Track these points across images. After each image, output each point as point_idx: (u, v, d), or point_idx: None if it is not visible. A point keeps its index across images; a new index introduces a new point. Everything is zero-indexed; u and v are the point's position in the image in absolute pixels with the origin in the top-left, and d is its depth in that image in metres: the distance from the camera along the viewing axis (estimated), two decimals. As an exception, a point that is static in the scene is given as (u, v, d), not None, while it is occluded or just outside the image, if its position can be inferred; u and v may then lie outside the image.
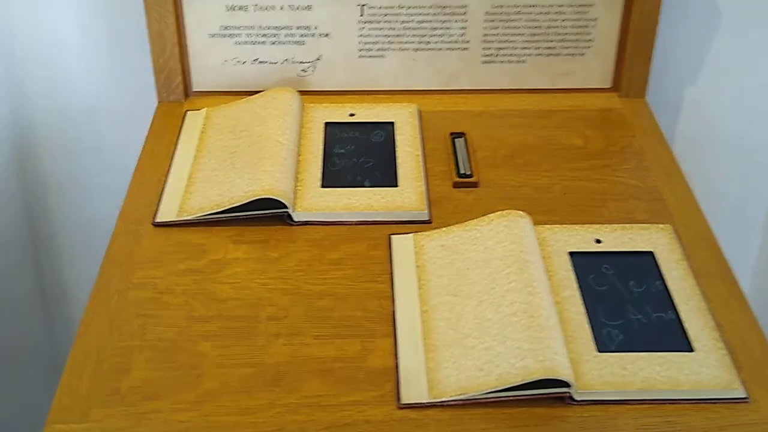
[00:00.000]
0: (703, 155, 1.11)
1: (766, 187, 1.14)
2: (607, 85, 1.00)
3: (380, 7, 0.95)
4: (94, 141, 1.09)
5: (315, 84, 1.00)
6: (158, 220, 0.80)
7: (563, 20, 0.96)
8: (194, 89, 0.99)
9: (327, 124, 0.93)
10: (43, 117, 1.08)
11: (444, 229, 0.76)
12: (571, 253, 0.72)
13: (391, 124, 0.93)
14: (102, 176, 1.10)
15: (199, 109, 0.96)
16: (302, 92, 0.96)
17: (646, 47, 0.97)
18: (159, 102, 0.98)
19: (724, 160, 1.12)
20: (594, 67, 0.99)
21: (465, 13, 0.96)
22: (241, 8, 0.95)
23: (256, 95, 0.94)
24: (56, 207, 1.13)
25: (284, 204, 0.78)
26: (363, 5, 0.95)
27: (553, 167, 0.88)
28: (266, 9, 0.95)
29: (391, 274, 0.72)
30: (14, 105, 1.06)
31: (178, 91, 0.97)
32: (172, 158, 0.89)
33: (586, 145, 0.91)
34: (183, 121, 0.95)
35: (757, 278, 1.18)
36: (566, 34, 0.97)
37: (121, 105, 1.06)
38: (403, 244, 0.74)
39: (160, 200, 0.82)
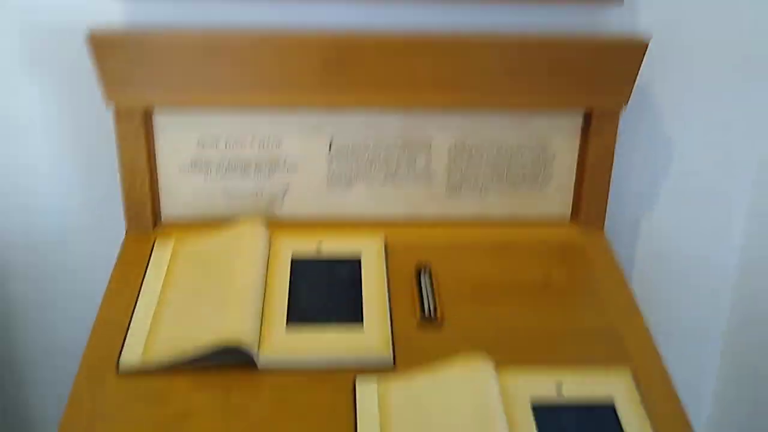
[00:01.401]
0: (661, 278, 1.15)
1: (723, 307, 1.18)
2: (566, 217, 1.04)
3: (348, 142, 0.99)
4: (62, 266, 1.09)
5: (283, 214, 1.02)
6: (122, 366, 0.79)
7: (523, 155, 1.01)
8: (164, 219, 1.01)
9: (294, 258, 0.95)
10: (11, 240, 1.08)
11: (408, 376, 0.77)
12: (534, 407, 0.73)
13: (358, 258, 0.95)
14: (69, 302, 1.10)
15: (167, 240, 0.97)
16: (270, 223, 0.99)
17: (602, 182, 1.01)
18: (128, 231, 0.99)
19: (680, 281, 1.16)
20: (553, 200, 1.03)
21: (430, 148, 1.00)
22: (212, 143, 0.98)
23: (225, 227, 0.96)
24: (21, 331, 1.12)
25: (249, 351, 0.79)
26: (331, 139, 0.99)
27: (515, 304, 0.90)
28: (237, 144, 0.98)
29: (355, 426, 0.72)
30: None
31: (147, 221, 0.99)
32: (138, 292, 0.89)
33: (548, 281, 0.94)
34: (151, 252, 0.96)
35: (717, 402, 1.20)
36: (526, 168, 1.01)
37: (91, 231, 1.07)
38: (367, 394, 0.75)
39: (124, 341, 0.82)
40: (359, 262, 0.94)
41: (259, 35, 0.91)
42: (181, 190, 1.00)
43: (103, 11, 0.94)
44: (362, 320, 0.86)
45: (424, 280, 0.93)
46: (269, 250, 0.95)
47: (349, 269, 0.94)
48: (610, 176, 1.00)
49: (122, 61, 0.90)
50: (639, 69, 0.93)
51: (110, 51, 0.89)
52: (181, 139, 0.98)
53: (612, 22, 0.98)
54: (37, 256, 1.08)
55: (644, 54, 0.92)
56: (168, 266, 0.93)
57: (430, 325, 0.87)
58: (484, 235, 1.02)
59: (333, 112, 0.97)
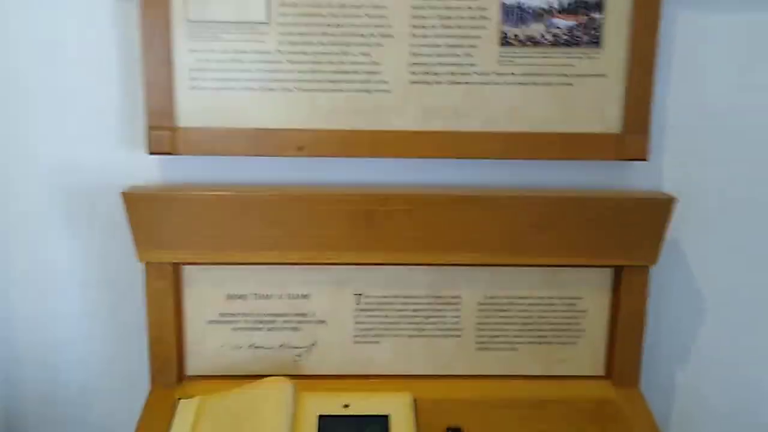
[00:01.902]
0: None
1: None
2: (600, 373, 1.01)
3: (376, 296, 0.99)
4: (81, 422, 1.07)
5: (310, 369, 1.00)
6: None
7: (554, 311, 1.00)
8: (188, 374, 1.00)
9: (320, 416, 0.92)
10: (32, 392, 1.07)
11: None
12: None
13: (386, 417, 0.92)
14: (88, 458, 1.07)
15: (191, 397, 0.95)
16: (296, 377, 0.97)
17: (635, 337, 0.99)
18: (152, 387, 0.98)
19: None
20: (586, 356, 1.01)
21: (459, 303, 0.99)
22: (240, 296, 0.98)
23: (250, 385, 0.94)
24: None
25: None
26: (359, 294, 0.99)
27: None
28: (265, 297, 0.98)
29: None
30: (7, 376, 1.05)
31: (171, 376, 0.97)
32: (161, 455, 0.87)
33: (584, 444, 0.91)
34: (175, 409, 0.94)
35: None
36: (557, 323, 1.00)
37: (114, 386, 1.05)
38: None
39: None
40: (387, 419, 0.91)
41: (289, 193, 0.93)
42: (207, 344, 0.99)
43: (138, 168, 0.97)
44: (391, 488, 0.82)
45: (456, 443, 0.89)
46: (295, 408, 0.92)
47: (378, 427, 0.91)
48: (643, 332, 0.98)
49: (154, 219, 0.92)
50: (667, 226, 0.94)
51: (143, 209, 0.92)
52: (210, 293, 0.98)
53: (637, 178, 0.99)
54: (56, 411, 1.06)
55: (672, 211, 0.93)
56: (192, 425, 0.90)
57: (462, 495, 0.83)
58: (515, 391, 0.99)
59: (361, 267, 0.98)
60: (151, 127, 0.92)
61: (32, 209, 1.00)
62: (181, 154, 0.93)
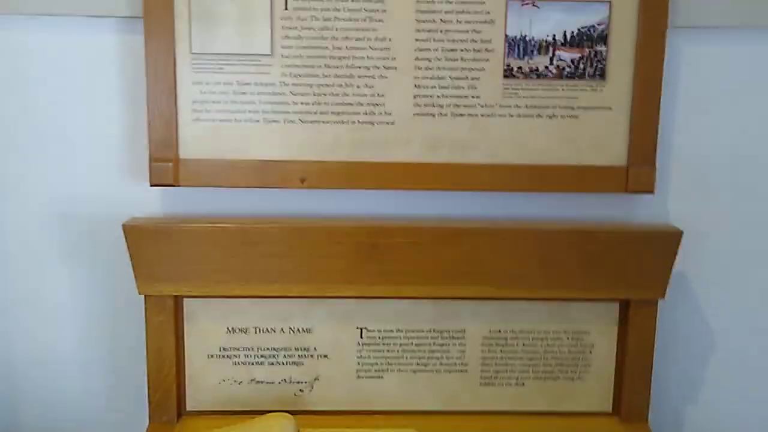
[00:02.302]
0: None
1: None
2: (608, 409, 0.99)
3: (379, 330, 0.97)
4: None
5: (312, 404, 0.98)
6: None
7: (560, 345, 0.98)
8: (188, 409, 0.98)
9: (323, 453, 0.91)
10: (32, 427, 1.04)
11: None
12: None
13: (390, 455, 0.91)
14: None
15: (191, 433, 0.94)
16: (298, 413, 0.95)
17: (643, 372, 0.97)
18: (150, 422, 0.96)
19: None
20: (593, 391, 0.99)
21: (463, 337, 0.98)
22: (241, 330, 0.97)
23: (251, 421, 0.92)
24: None
25: None
26: (362, 328, 0.97)
27: None
28: (266, 331, 0.97)
29: None
30: (5, 410, 1.03)
31: (171, 411, 0.95)
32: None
33: (592, 483, 0.89)
34: (174, 446, 0.92)
35: None
36: (564, 358, 0.98)
37: (112, 421, 1.03)
38: None
39: None
40: (391, 459, 0.90)
41: (291, 225, 0.92)
42: (207, 379, 0.97)
43: (140, 200, 0.96)
44: None
45: (461, 482, 0.87)
46: (297, 446, 0.91)
47: (381, 468, 0.89)
48: (651, 367, 0.97)
49: (155, 252, 0.91)
50: (674, 259, 0.92)
51: (143, 242, 0.91)
52: (211, 327, 0.96)
53: (643, 211, 0.98)
54: (54, 446, 1.05)
55: (679, 244, 0.92)
56: (191, 463, 0.89)
57: None
58: (521, 428, 0.96)
59: (364, 301, 0.97)
60: (154, 159, 0.91)
61: (33, 240, 0.99)
62: (183, 186, 0.92)
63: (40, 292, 1.00)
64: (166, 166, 0.92)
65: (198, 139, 0.92)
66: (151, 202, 0.97)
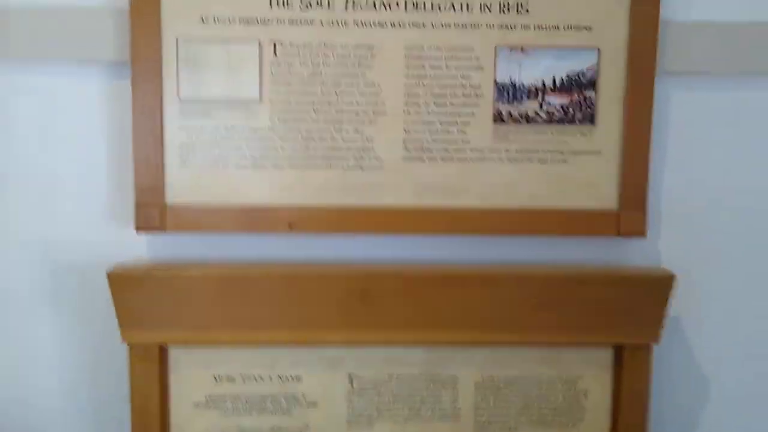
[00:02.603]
0: None
1: None
2: (603, 457, 0.98)
3: (370, 377, 0.95)
4: None
5: (301, 454, 0.97)
6: None
7: (554, 391, 0.96)
8: (173, 462, 0.96)
9: (312, 507, 0.88)
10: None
11: None
12: None
13: (381, 507, 0.88)
14: None
15: (176, 486, 0.91)
16: (287, 463, 0.93)
17: (639, 418, 0.95)
18: (135, 476, 0.93)
19: None
20: (588, 439, 0.98)
21: (455, 383, 0.96)
22: (228, 378, 0.95)
23: (239, 473, 0.90)
24: None
25: None
26: (352, 375, 0.95)
27: None
28: (254, 379, 0.95)
29: None
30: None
31: (156, 464, 0.93)
32: None
33: None
34: (158, 500, 0.89)
35: None
36: (558, 405, 0.96)
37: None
38: None
39: None
40: None
41: (278, 271, 0.91)
42: (193, 428, 0.94)
43: (126, 245, 0.95)
44: None
45: None
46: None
47: None
48: (646, 412, 0.95)
49: (139, 300, 0.89)
50: (668, 304, 0.91)
51: (128, 290, 0.89)
52: (197, 375, 0.94)
53: (635, 254, 0.98)
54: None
55: (672, 288, 0.91)
56: None
57: None
58: (516, 477, 0.95)
59: (354, 347, 0.95)
60: (139, 204, 0.90)
61: (16, 286, 0.97)
62: (169, 231, 0.91)
63: (21, 339, 0.98)
64: (152, 212, 0.90)
65: (185, 183, 0.91)
66: (137, 247, 0.96)
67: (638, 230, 0.93)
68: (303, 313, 0.91)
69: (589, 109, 0.92)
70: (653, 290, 0.91)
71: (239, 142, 0.90)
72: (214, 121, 0.90)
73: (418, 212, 0.92)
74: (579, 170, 0.92)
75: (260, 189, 0.91)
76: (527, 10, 0.90)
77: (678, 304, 0.98)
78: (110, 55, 0.91)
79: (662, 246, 0.99)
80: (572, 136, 0.92)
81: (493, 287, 0.91)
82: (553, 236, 0.94)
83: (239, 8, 0.88)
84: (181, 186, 0.91)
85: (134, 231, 0.91)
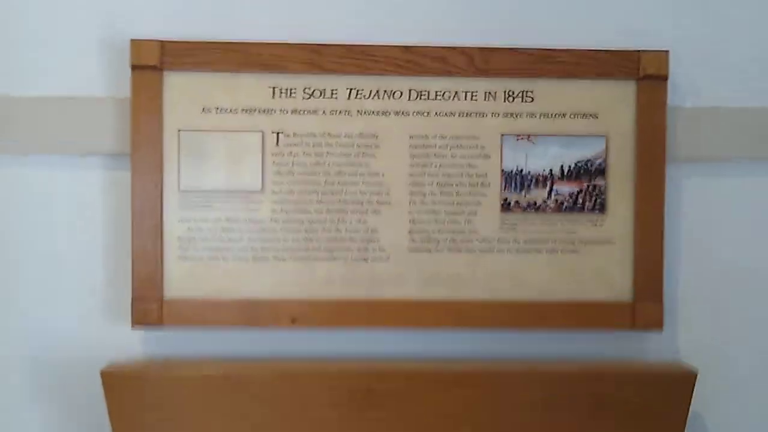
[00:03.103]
0: None
1: None
2: None
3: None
4: None
5: None
6: None
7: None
8: None
9: None
10: None
11: None
12: None
13: None
14: None
15: None
16: None
17: None
18: None
19: None
20: None
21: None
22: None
23: None
24: None
25: None
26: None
27: None
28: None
29: None
30: None
31: None
32: None
33: None
34: None
35: None
36: None
37: None
38: None
39: None
40: None
41: (279, 369, 0.87)
42: None
43: (123, 341, 0.91)
44: None
45: None
46: None
47: None
48: None
49: (134, 400, 0.84)
50: (690, 402, 0.87)
51: (122, 390, 0.84)
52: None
53: (651, 348, 0.94)
54: None
55: (693, 385, 0.86)
56: None
57: None
58: None
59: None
60: (136, 299, 0.87)
61: (4, 380, 0.93)
62: (167, 326, 0.88)
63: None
64: (149, 307, 0.87)
65: (184, 277, 0.88)
66: (133, 343, 0.92)
67: (655, 323, 0.89)
68: (305, 415, 0.86)
69: (599, 198, 0.89)
70: (673, 388, 0.86)
71: (240, 233, 0.88)
72: (215, 213, 0.87)
73: (423, 305, 0.88)
74: (590, 260, 0.89)
75: (261, 282, 0.88)
76: (532, 99, 0.89)
77: (700, 400, 0.93)
78: (111, 146, 0.89)
79: (680, 338, 0.94)
80: (582, 225, 0.89)
81: (504, 386, 0.86)
82: (565, 330, 0.90)
83: (241, 98, 0.88)
84: (180, 280, 0.88)
85: (130, 325, 0.88)
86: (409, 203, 0.88)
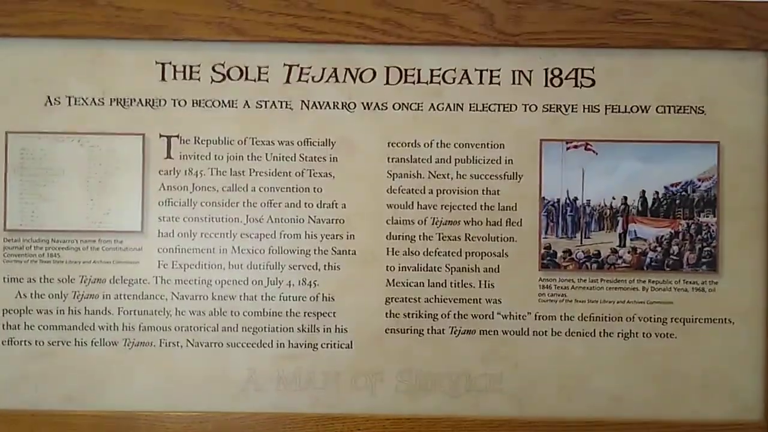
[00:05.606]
0: None
1: None
2: None
3: None
4: None
5: None
6: None
7: None
8: None
9: None
10: None
11: None
12: None
13: None
14: None
15: None
16: None
17: None
18: None
19: None
20: None
21: None
22: None
23: None
24: None
25: None
26: None
27: None
28: None
29: None
30: None
31: None
32: None
33: None
34: None
35: None
36: None
37: None
38: None
39: None
40: None
41: None
42: None
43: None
44: None
45: None
46: None
47: None
48: None
49: None
50: None
51: None
52: None
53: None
54: None
55: None
56: None
57: None
58: None
59: None
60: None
61: None
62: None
63: None
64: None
65: (8, 377, 0.57)
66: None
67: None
68: None
69: (706, 246, 0.57)
70: None
71: (105, 302, 0.59)
72: (64, 269, 0.59)
73: (408, 427, 0.56)
74: (694, 352, 0.62)
75: (138, 385, 0.58)
76: (592, 82, 0.60)
77: None
78: None
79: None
80: (680, 293, 0.60)
81: None
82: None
83: (110, 82, 0.59)
84: (2, 380, 0.57)
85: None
86: (387, 253, 0.60)
